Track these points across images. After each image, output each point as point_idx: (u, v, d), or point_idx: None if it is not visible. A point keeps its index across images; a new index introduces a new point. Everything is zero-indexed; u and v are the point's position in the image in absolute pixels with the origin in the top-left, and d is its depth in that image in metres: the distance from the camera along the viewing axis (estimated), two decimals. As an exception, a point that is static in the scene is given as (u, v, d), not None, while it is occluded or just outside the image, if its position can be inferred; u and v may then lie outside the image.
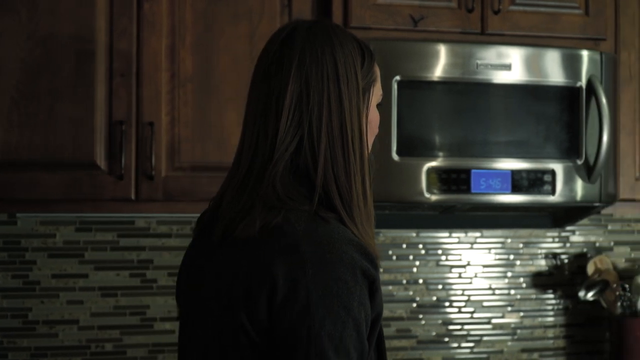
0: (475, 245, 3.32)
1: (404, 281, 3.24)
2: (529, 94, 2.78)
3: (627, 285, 3.27)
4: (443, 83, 2.71)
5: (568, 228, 3.39)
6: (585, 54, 2.83)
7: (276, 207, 1.48)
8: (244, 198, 1.52)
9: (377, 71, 1.65)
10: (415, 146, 2.70)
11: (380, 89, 1.67)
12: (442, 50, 2.71)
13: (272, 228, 1.46)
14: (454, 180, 2.71)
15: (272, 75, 1.55)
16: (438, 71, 2.70)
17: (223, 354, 1.49)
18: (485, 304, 3.33)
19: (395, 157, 2.66)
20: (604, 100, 2.77)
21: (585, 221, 3.38)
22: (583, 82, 2.81)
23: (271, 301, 1.42)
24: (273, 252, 1.44)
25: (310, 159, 1.51)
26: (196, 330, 1.57)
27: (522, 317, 3.36)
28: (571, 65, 2.81)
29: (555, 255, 3.39)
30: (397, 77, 2.66)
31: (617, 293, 3.26)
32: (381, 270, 1.93)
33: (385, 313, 3.21)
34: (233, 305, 1.46)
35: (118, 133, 2.63)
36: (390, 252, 3.23)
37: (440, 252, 3.29)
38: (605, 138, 2.77)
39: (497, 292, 3.34)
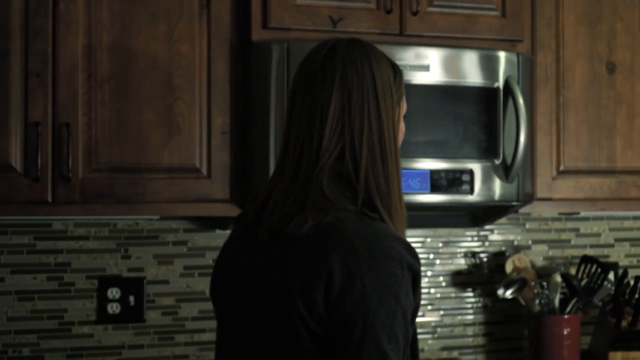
0: (395, 245, 3.33)
1: (325, 281, 3.24)
2: (447, 94, 2.80)
3: (544, 283, 3.32)
4: (362, 84, 2.71)
5: (487, 227, 3.43)
6: (502, 55, 2.86)
7: (326, 207, 1.63)
8: (290, 199, 1.67)
9: (404, 86, 1.82)
10: (335, 147, 2.70)
11: (406, 102, 1.83)
12: (361, 51, 2.71)
13: (325, 226, 1.61)
14: (373, 180, 2.72)
15: (316, 86, 1.70)
16: (357, 72, 2.71)
17: (282, 345, 1.62)
18: (405, 303, 3.34)
19: (315, 157, 2.66)
20: (521, 100, 2.81)
21: (503, 220, 3.42)
22: (500, 83, 2.84)
23: (328, 292, 1.57)
24: (328, 247, 1.59)
25: (351, 165, 1.67)
26: (246, 324, 1.70)
27: (442, 315, 3.39)
28: (489, 66, 2.84)
29: (474, 254, 3.43)
30: (317, 78, 2.66)
31: (535, 291, 3.30)
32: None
33: (307, 313, 3.21)
34: (290, 297, 1.60)
35: (34, 134, 2.58)
36: (311, 253, 3.23)
37: (361, 252, 3.29)
38: (522, 138, 2.80)
39: (417, 291, 3.36)
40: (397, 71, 1.79)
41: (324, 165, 1.66)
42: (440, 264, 3.39)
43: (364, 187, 1.67)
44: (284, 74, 2.64)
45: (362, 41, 1.78)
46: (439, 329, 3.38)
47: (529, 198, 2.94)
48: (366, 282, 1.56)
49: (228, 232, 3.10)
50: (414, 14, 2.84)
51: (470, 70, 2.82)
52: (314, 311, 1.58)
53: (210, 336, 3.11)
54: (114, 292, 3.03)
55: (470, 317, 3.43)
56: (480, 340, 3.44)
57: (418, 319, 3.30)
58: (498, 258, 3.45)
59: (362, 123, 1.68)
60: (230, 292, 1.78)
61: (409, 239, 3.26)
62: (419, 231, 3.36)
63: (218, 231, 3.12)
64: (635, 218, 3.62)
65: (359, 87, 1.69)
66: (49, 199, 2.60)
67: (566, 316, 3.28)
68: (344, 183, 1.68)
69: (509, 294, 3.28)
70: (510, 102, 2.83)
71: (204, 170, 2.72)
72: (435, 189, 2.78)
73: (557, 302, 3.32)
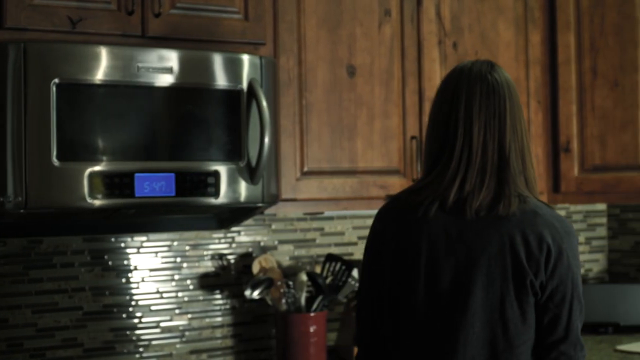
0: (141, 250, 3.30)
1: (69, 289, 3.16)
2: (191, 97, 2.79)
3: (291, 282, 3.37)
4: (104, 86, 2.66)
5: (234, 229, 3.44)
6: (245, 58, 2.88)
7: (522, 194, 2.13)
8: (485, 188, 2.12)
9: None
10: (76, 150, 2.63)
11: None
12: (103, 53, 2.66)
13: (529, 211, 2.11)
14: (117, 184, 2.67)
15: (494, 100, 2.16)
16: (99, 74, 2.65)
17: (515, 301, 2.09)
18: (153, 307, 3.31)
19: (55, 162, 2.58)
20: (264, 103, 2.83)
21: (250, 221, 3.45)
22: (244, 86, 2.86)
23: (547, 262, 2.09)
24: (539, 226, 2.10)
25: (521, 161, 2.17)
26: (481, 287, 2.09)
27: (191, 318, 3.38)
28: (232, 69, 2.85)
29: (221, 256, 3.44)
30: (56, 80, 2.58)
31: (282, 290, 3.35)
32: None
33: (50, 323, 3.12)
34: (521, 266, 2.08)
35: None
36: (54, 260, 3.14)
37: (106, 257, 3.23)
38: (266, 140, 2.83)
39: (165, 295, 3.34)
40: None
41: (510, 163, 2.14)
42: (187, 267, 3.38)
43: (525, 177, 2.17)
44: (21, 75, 2.54)
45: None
46: (187, 333, 3.37)
47: (274, 199, 2.97)
48: (569, 254, 2.11)
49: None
50: (156, 15, 2.81)
51: (214, 73, 2.82)
52: (538, 276, 2.08)
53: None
54: None
55: (219, 319, 3.43)
56: (228, 342, 3.45)
57: (165, 323, 3.32)
58: (245, 259, 3.47)
59: (521, 127, 2.18)
60: (440, 261, 2.13)
61: (155, 243, 3.28)
62: (165, 235, 3.33)
63: (-47, 240, 2.98)
64: (377, 216, 3.74)
65: (516, 99, 2.18)
66: None
67: (312, 314, 3.34)
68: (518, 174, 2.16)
69: (256, 294, 3.31)
70: (254, 105, 2.86)
71: (-64, 177, 2.59)
72: (180, 191, 2.76)
73: (303, 301, 3.38)
